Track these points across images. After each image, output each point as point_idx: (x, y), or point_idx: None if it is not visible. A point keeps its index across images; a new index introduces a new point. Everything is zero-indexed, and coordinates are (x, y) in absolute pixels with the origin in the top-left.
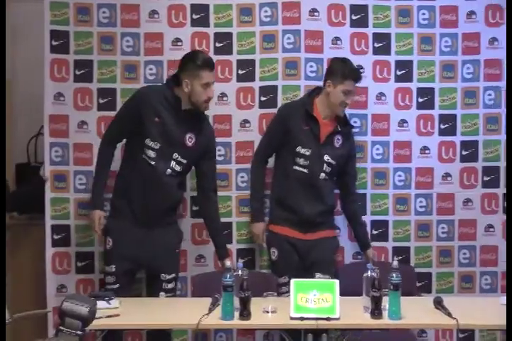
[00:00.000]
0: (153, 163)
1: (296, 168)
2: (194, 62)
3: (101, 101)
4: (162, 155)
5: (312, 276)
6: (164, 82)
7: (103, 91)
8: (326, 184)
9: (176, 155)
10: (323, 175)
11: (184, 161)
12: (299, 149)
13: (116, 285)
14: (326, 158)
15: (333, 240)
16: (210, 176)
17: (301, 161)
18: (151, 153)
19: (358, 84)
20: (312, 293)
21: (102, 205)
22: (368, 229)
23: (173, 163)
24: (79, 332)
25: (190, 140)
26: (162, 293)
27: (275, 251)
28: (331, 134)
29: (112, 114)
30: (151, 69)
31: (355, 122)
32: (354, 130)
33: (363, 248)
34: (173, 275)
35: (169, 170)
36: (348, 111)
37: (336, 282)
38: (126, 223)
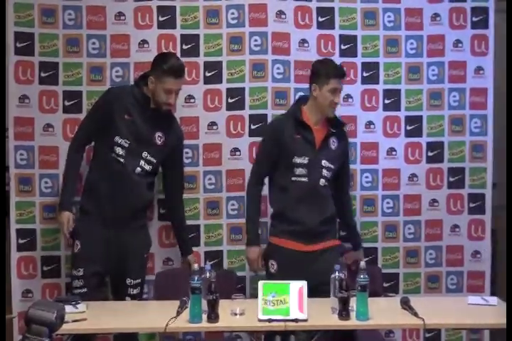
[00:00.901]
0: (122, 160)
1: (295, 178)
2: (161, 66)
3: (67, 103)
4: (131, 153)
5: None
6: (132, 83)
7: (69, 93)
8: (326, 191)
9: (145, 154)
10: (323, 180)
11: (154, 160)
12: (296, 159)
13: (84, 289)
14: (324, 162)
15: (338, 248)
16: (179, 177)
17: (299, 171)
18: (121, 151)
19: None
20: (271, 295)
21: (71, 206)
22: None
23: (142, 162)
24: (46, 340)
25: (159, 138)
26: (128, 298)
27: (274, 264)
28: (325, 138)
29: (78, 116)
30: (117, 71)
31: None
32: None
33: (355, 248)
34: (139, 280)
35: (139, 169)
36: None
37: (304, 283)
38: (95, 225)
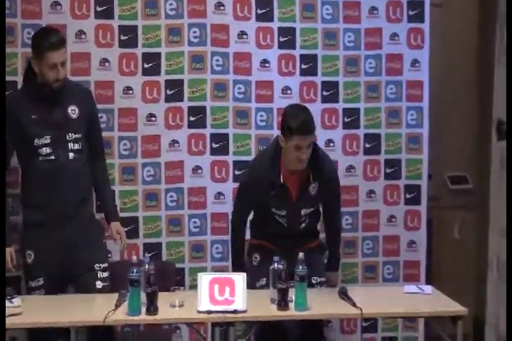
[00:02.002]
0: (52, 157)
1: (276, 217)
2: (37, 45)
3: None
4: (57, 144)
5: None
6: None
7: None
8: (305, 230)
9: (70, 135)
10: (303, 225)
11: (79, 135)
12: (274, 210)
13: None
14: (304, 211)
15: (318, 248)
16: (98, 136)
17: (279, 218)
18: (46, 150)
19: None
20: (217, 287)
21: (10, 240)
22: None
23: (70, 145)
24: None
25: (73, 112)
26: (99, 282)
27: (257, 257)
28: (303, 187)
29: None
30: None
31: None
32: None
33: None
34: (106, 264)
35: (71, 154)
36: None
37: (243, 275)
38: (43, 230)
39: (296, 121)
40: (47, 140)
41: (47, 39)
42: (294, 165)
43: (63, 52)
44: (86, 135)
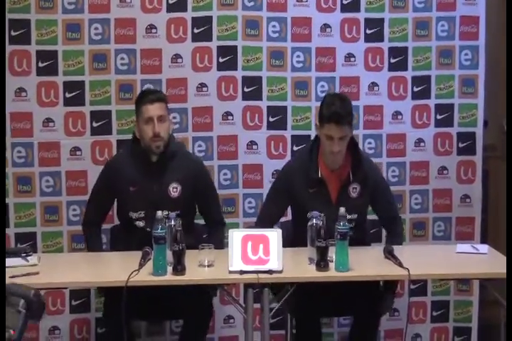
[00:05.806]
0: (147, 229)
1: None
2: (136, 103)
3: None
4: (152, 218)
5: None
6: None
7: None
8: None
9: (166, 212)
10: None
11: (178, 212)
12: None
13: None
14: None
15: None
16: (211, 209)
17: None
18: (140, 223)
19: None
20: (250, 245)
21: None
22: None
23: (167, 220)
24: (22, 310)
25: (174, 190)
26: None
27: None
28: (343, 187)
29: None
30: (122, 58)
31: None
32: None
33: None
34: None
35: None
36: None
37: (278, 232)
38: None
39: (330, 110)
40: (141, 214)
41: (144, 95)
42: (328, 158)
43: (159, 107)
44: (199, 208)
